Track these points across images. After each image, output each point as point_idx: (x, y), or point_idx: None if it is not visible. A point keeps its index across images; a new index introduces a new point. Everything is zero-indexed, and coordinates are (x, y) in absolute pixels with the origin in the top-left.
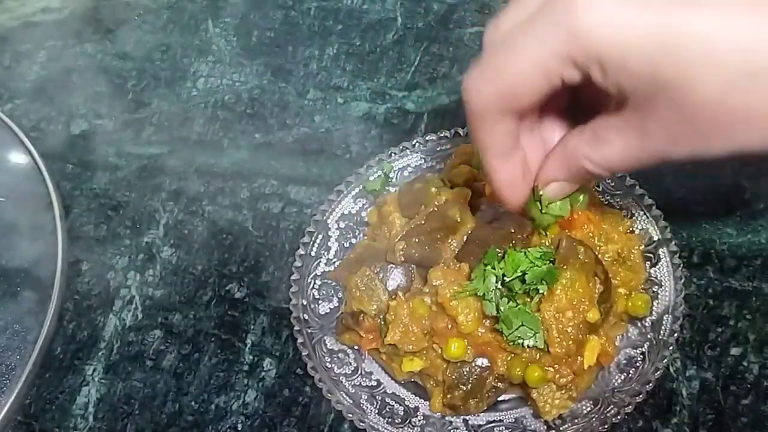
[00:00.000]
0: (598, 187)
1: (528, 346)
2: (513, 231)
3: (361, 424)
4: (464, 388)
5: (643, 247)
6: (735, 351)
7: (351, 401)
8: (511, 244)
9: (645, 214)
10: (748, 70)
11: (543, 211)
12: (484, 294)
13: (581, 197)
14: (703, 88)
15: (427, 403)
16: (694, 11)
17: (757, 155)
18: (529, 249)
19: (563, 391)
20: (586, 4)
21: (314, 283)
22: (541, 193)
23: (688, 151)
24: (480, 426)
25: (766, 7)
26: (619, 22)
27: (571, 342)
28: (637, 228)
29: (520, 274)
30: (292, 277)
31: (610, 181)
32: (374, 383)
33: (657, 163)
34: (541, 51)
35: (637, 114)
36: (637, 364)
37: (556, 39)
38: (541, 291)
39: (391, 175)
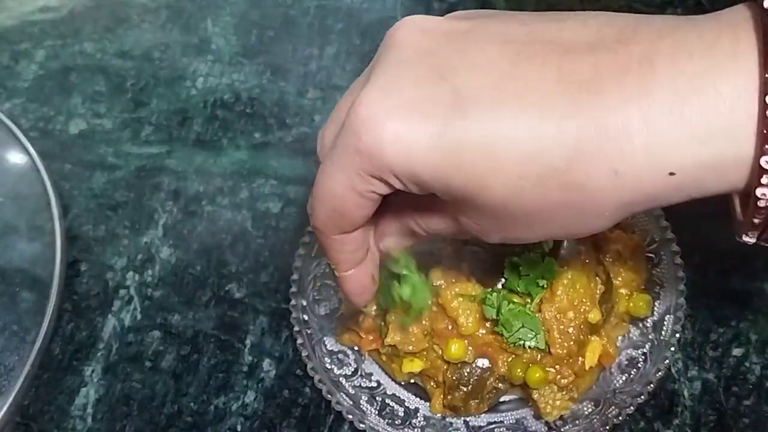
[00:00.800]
0: None
1: (529, 348)
2: None
3: (361, 425)
4: (465, 389)
5: (644, 247)
6: (737, 351)
7: (351, 402)
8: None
9: (645, 214)
10: (533, 173)
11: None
12: (484, 298)
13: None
14: (491, 193)
15: (428, 404)
16: (476, 117)
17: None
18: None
19: (564, 392)
20: (369, 123)
21: (314, 283)
22: (380, 247)
23: (500, 238)
24: (481, 427)
25: (549, 102)
26: (405, 138)
27: (572, 343)
28: (638, 228)
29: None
30: (292, 278)
31: None
32: (374, 384)
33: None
34: (345, 173)
35: (450, 207)
36: (639, 365)
37: (351, 161)
38: (540, 285)
39: None
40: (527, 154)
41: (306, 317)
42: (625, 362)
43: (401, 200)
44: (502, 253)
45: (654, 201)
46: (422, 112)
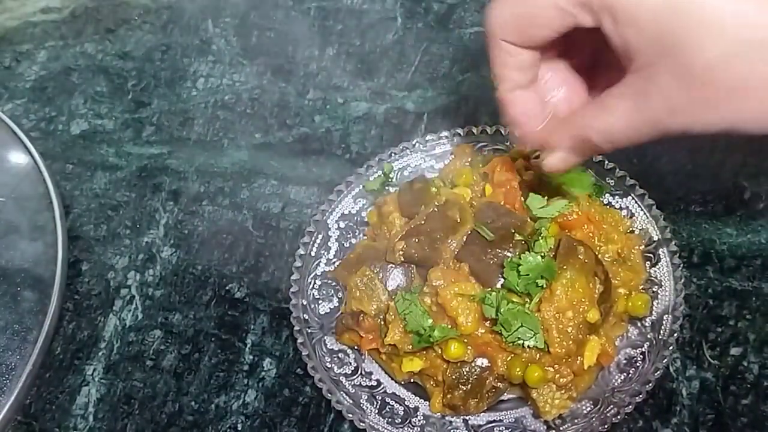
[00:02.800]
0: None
1: (528, 347)
2: (513, 231)
3: (361, 424)
4: (464, 388)
5: (643, 247)
6: (735, 351)
7: (351, 401)
8: (510, 245)
9: (645, 214)
10: (750, 41)
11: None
12: (483, 297)
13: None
14: (706, 53)
15: (427, 403)
16: None
17: (748, 134)
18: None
19: (563, 391)
20: None
21: (314, 283)
22: (546, 164)
23: (684, 122)
24: (480, 426)
25: None
26: None
27: (571, 342)
28: (637, 228)
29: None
30: (292, 277)
31: (610, 181)
32: (374, 383)
33: (656, 134)
34: None
35: (639, 78)
36: (637, 364)
37: None
38: (540, 285)
39: (391, 175)
40: (751, 25)
41: (306, 317)
42: (624, 361)
43: (581, 107)
44: (502, 254)
45: None
46: None
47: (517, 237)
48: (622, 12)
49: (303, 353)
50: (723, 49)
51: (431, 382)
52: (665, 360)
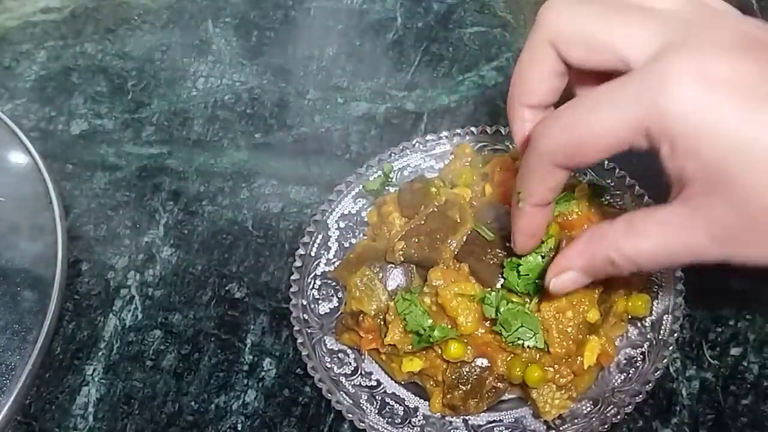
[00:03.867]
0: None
1: (528, 347)
2: None
3: (361, 424)
4: (464, 389)
5: None
6: (735, 351)
7: (351, 401)
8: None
9: None
10: None
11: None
12: (483, 297)
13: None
14: (765, 195)
15: (427, 403)
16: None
17: None
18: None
19: (563, 391)
20: (676, 80)
21: (314, 283)
22: (548, 285)
23: (725, 252)
24: (480, 426)
25: None
26: (704, 108)
27: (571, 342)
28: None
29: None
30: (292, 277)
31: (610, 181)
32: (374, 383)
33: (688, 262)
34: (622, 117)
35: (687, 208)
36: (637, 364)
37: (640, 109)
38: (539, 285)
39: (391, 175)
40: None
41: (306, 317)
42: (624, 361)
43: (604, 225)
44: (502, 254)
45: None
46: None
47: None
48: (683, 142)
49: (303, 353)
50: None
51: (431, 382)
52: (665, 360)
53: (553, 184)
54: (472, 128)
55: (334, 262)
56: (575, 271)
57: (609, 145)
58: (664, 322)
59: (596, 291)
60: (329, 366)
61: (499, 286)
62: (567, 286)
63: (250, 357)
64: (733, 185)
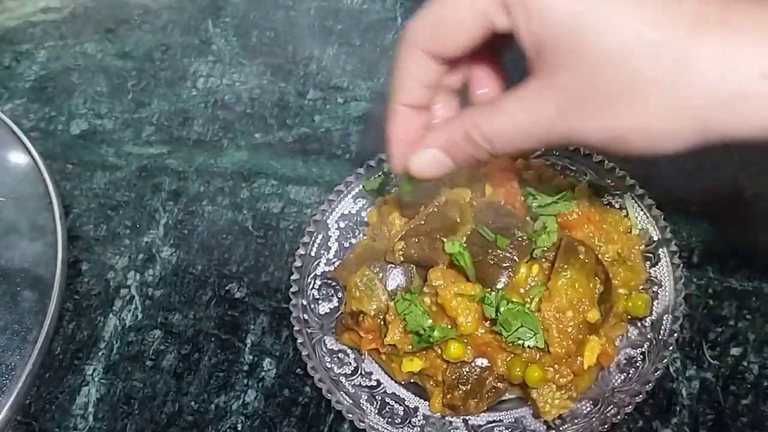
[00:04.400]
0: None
1: (528, 347)
2: (514, 231)
3: (361, 424)
4: (464, 389)
5: (643, 247)
6: (735, 351)
7: (351, 401)
8: (511, 245)
9: (645, 214)
10: (647, 40)
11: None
12: (483, 297)
13: None
14: (603, 48)
15: (427, 403)
16: None
17: (624, 152)
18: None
19: (563, 391)
20: None
21: (314, 283)
22: (410, 165)
23: (571, 127)
24: (480, 426)
25: None
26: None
27: (571, 342)
28: (637, 228)
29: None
30: (292, 277)
31: (610, 181)
32: (374, 383)
33: (543, 140)
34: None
35: (540, 80)
36: (637, 364)
37: None
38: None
39: (391, 175)
40: (648, 19)
41: (306, 317)
42: (624, 361)
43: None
44: (502, 254)
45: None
46: None
47: (518, 235)
48: (537, 7)
49: (303, 353)
50: (620, 45)
51: (431, 382)
52: (665, 360)
53: (424, 77)
54: None
55: (334, 262)
56: (437, 149)
57: (469, 20)
58: (664, 322)
59: (596, 291)
60: (329, 366)
61: (499, 286)
62: (428, 168)
63: (250, 357)
64: (575, 47)
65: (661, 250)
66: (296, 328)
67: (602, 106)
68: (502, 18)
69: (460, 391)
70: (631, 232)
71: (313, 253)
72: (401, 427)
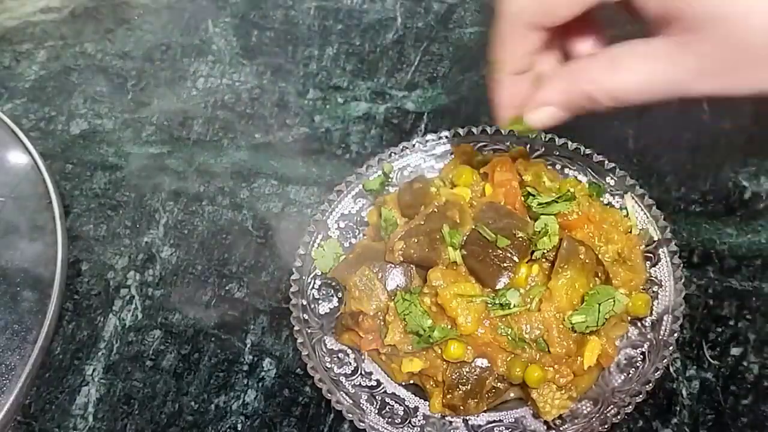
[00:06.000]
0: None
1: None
2: (514, 231)
3: (361, 424)
4: (464, 389)
5: (643, 247)
6: (735, 351)
7: (351, 401)
8: (511, 245)
9: (645, 214)
10: None
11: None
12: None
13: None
14: (750, 21)
15: (427, 403)
16: None
17: None
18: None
19: (563, 392)
20: None
21: (314, 283)
22: (526, 118)
23: (715, 86)
24: (480, 426)
25: None
26: None
27: (571, 342)
28: (637, 228)
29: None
30: (292, 277)
31: (610, 181)
32: (374, 383)
33: (672, 96)
34: None
35: (673, 43)
36: (637, 364)
37: None
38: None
39: (391, 175)
40: None
41: (306, 317)
42: (624, 362)
43: (584, 59)
44: (502, 254)
45: None
46: None
47: (518, 235)
48: None
49: (303, 353)
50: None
51: (431, 383)
52: (665, 360)
53: (529, 47)
54: (472, 128)
55: None
56: (553, 106)
57: None
58: (664, 322)
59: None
60: (329, 366)
61: (500, 286)
62: (543, 120)
63: (250, 357)
64: (716, 18)
65: (661, 250)
66: (296, 328)
67: (749, 68)
68: None
69: (460, 392)
70: (631, 232)
71: (313, 254)
72: (401, 427)
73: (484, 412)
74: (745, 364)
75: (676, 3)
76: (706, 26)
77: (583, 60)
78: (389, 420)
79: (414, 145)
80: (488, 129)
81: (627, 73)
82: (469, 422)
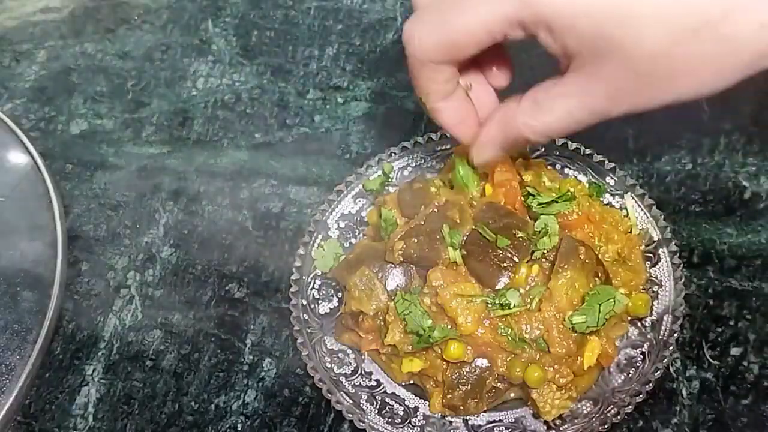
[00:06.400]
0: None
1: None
2: (514, 231)
3: (361, 424)
4: (464, 389)
5: (643, 247)
6: (735, 351)
7: (351, 401)
8: (511, 246)
9: (645, 214)
10: (690, 26)
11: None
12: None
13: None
14: (650, 41)
15: (427, 403)
16: None
17: (684, 102)
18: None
19: (563, 392)
20: None
21: (314, 283)
22: (473, 161)
23: (628, 106)
24: (480, 426)
25: None
26: None
27: (571, 342)
28: (637, 228)
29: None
30: (292, 277)
31: (610, 181)
32: (374, 383)
33: (597, 121)
34: (493, 12)
35: (581, 76)
36: (637, 364)
37: (509, 5)
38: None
39: (391, 175)
40: (688, 8)
41: (306, 317)
42: (624, 362)
43: (512, 105)
44: (502, 254)
45: None
46: None
47: (518, 235)
48: (559, 23)
49: (303, 353)
50: (665, 36)
51: (431, 383)
52: (665, 360)
53: (443, 77)
54: None
55: None
56: (495, 146)
57: (482, 39)
58: (664, 322)
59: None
60: (329, 366)
61: (500, 286)
62: (488, 156)
63: (250, 357)
64: (615, 47)
65: (661, 250)
66: (296, 328)
67: (657, 86)
68: (518, 32)
69: (460, 392)
70: (631, 232)
71: (312, 254)
72: (401, 427)
73: (484, 412)
74: (745, 364)
75: (570, 42)
76: (604, 56)
77: (512, 104)
78: (389, 420)
79: (414, 145)
80: None
81: (549, 114)
82: (469, 422)
